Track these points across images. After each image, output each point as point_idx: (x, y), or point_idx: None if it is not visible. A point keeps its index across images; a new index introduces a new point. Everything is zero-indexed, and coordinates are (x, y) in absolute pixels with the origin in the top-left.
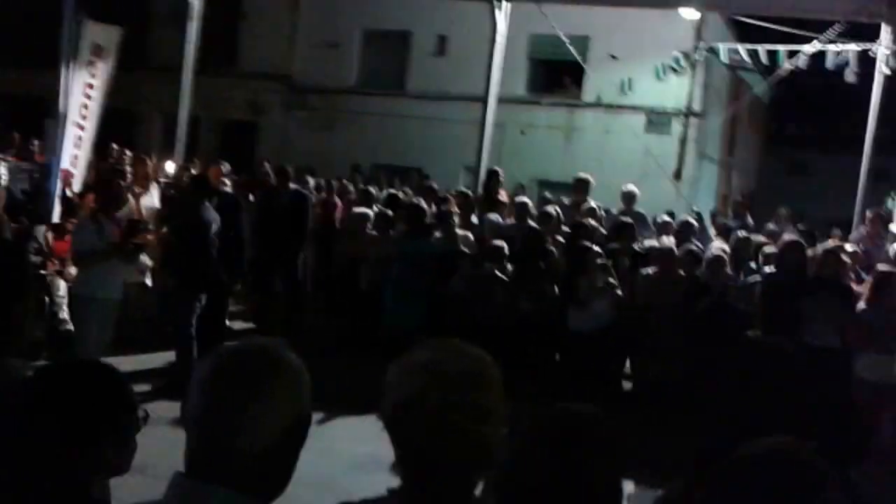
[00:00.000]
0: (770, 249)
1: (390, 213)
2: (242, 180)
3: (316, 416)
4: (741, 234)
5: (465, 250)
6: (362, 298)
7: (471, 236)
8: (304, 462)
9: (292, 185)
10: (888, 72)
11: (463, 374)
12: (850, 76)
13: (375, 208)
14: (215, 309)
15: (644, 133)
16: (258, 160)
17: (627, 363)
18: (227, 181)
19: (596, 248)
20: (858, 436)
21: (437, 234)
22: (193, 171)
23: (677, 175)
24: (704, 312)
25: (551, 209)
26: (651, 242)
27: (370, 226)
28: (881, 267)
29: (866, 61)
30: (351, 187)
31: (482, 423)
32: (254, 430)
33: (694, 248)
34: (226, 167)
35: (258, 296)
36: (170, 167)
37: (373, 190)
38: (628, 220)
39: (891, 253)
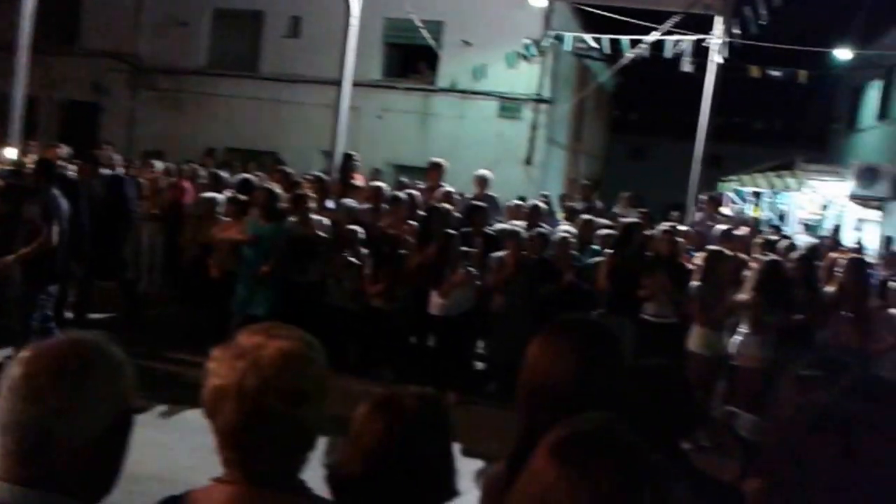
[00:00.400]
0: (611, 231)
1: (243, 197)
2: (82, 165)
3: (160, 409)
4: (586, 216)
5: (321, 235)
6: (213, 286)
7: (326, 221)
8: (147, 456)
9: (115, 171)
10: (720, 60)
11: (280, 359)
12: (686, 65)
13: (227, 193)
14: (57, 300)
15: (497, 119)
16: (99, 143)
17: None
18: (68, 165)
19: (456, 234)
20: (690, 408)
21: (292, 218)
22: (30, 156)
23: (528, 160)
24: (551, 293)
25: (402, 194)
26: (502, 226)
27: (221, 211)
28: (711, 247)
29: (701, 51)
30: (202, 171)
31: (299, 406)
32: (70, 429)
33: (543, 230)
34: (64, 150)
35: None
36: (9, 153)
37: (224, 174)
38: (481, 203)
39: (720, 233)
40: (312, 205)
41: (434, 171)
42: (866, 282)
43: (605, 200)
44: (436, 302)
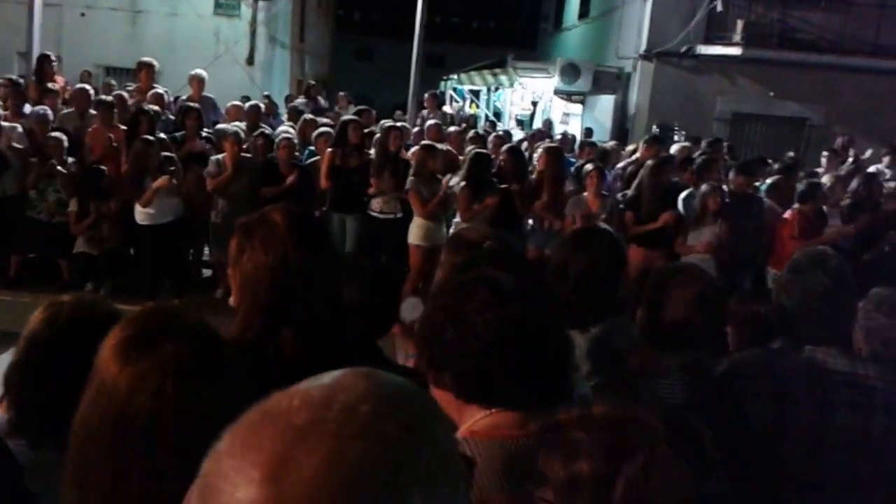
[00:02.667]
0: (329, 130)
1: None
2: None
3: None
4: (307, 117)
5: (16, 146)
6: None
7: (20, 128)
8: None
9: None
10: None
11: None
12: None
13: None
14: None
15: (213, 16)
16: None
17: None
18: None
19: (153, 139)
20: (388, 308)
21: None
22: None
23: (249, 60)
24: (280, 193)
25: (110, 97)
26: (222, 126)
27: None
28: (425, 142)
29: None
30: None
31: None
32: None
33: (266, 130)
34: None
35: None
36: None
37: None
38: (194, 104)
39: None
40: (6, 112)
41: (144, 72)
42: (561, 168)
43: (331, 101)
44: (140, 211)
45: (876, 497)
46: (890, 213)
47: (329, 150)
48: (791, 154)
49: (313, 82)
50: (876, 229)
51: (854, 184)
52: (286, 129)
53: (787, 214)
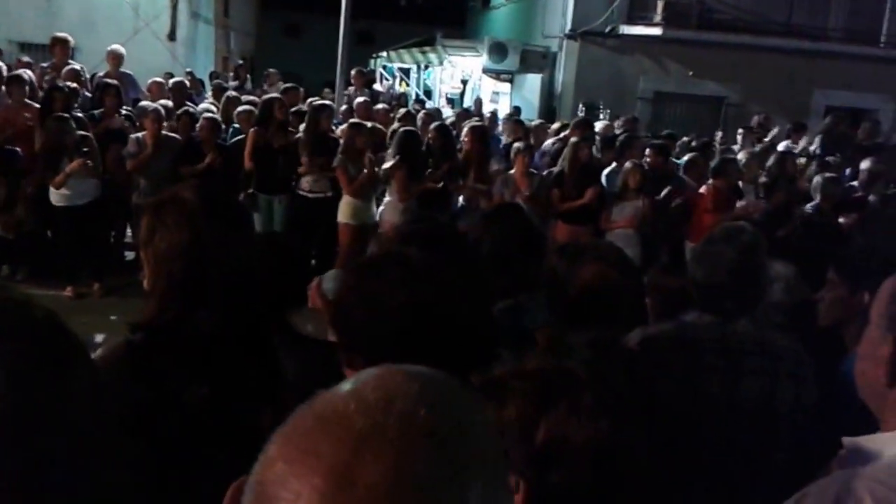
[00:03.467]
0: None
1: None
2: None
3: None
4: (231, 94)
5: None
6: None
7: None
8: None
9: None
10: None
11: None
12: None
13: None
14: None
15: None
16: None
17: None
18: None
19: (67, 117)
20: (295, 283)
21: None
22: None
23: (171, 36)
24: (200, 173)
25: (24, 74)
26: (143, 103)
27: None
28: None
29: None
30: None
31: None
32: None
33: (190, 108)
34: None
35: None
36: None
37: None
38: (112, 81)
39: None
40: None
41: (59, 48)
42: (486, 147)
43: (258, 79)
44: (55, 192)
45: (781, 461)
46: (804, 190)
47: (252, 130)
48: (719, 134)
49: (241, 61)
50: (790, 206)
51: (770, 161)
52: (210, 107)
53: (703, 190)
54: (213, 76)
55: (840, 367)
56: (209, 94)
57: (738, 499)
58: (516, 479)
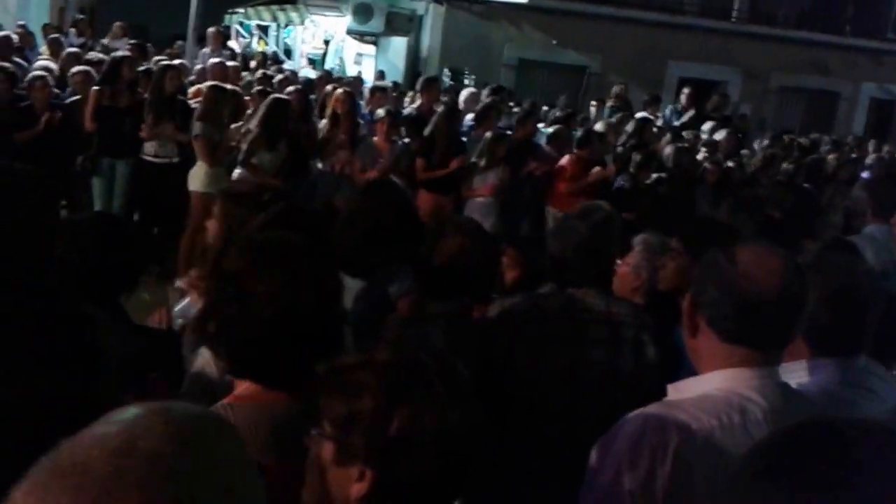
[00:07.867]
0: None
1: None
2: None
3: None
4: (71, 50)
5: None
6: None
7: None
8: None
9: None
10: None
11: None
12: None
13: None
14: None
15: None
16: None
17: None
18: None
19: None
20: (131, 262)
21: None
22: None
23: None
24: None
25: None
26: None
27: None
28: (210, 82)
29: None
30: None
31: None
32: None
33: (9, 66)
34: None
35: None
36: None
37: None
38: None
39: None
40: None
41: None
42: (354, 112)
43: (101, 31)
44: None
45: None
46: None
47: (95, 88)
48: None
49: (81, 15)
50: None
51: (629, 128)
52: (45, 65)
53: (564, 160)
54: (46, 29)
55: (675, 330)
56: (43, 48)
57: (584, 463)
58: (361, 470)
